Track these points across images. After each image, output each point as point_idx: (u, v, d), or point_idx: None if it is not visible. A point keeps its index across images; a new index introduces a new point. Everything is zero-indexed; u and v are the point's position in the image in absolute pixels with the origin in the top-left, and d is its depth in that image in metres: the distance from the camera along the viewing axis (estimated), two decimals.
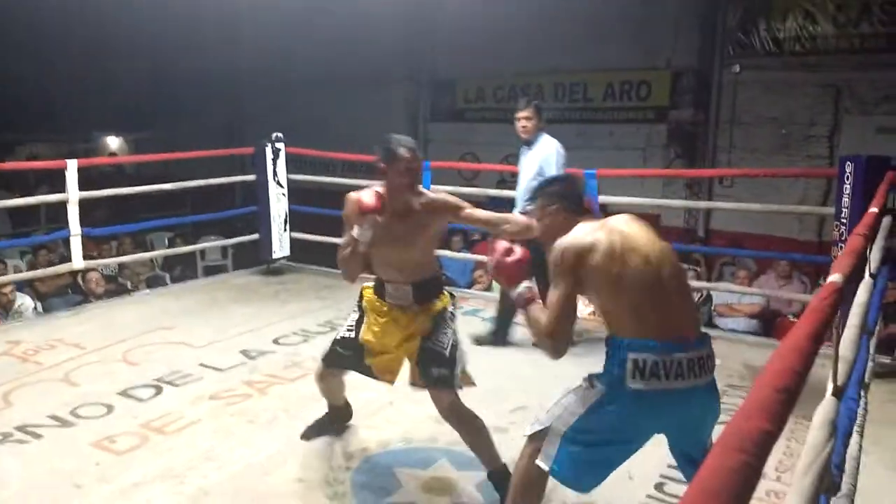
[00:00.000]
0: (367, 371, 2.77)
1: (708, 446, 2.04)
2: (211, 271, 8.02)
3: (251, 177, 6.18)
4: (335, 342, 2.79)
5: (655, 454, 2.27)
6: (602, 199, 4.97)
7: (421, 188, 2.63)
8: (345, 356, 2.75)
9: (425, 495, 2.68)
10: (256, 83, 11.05)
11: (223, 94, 11.47)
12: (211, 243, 7.86)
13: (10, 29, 10.06)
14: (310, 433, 3.07)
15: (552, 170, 4.02)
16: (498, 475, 2.55)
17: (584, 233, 2.02)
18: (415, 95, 10.10)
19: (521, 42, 8.43)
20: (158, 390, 3.60)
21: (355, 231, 2.56)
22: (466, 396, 2.62)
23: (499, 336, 4.33)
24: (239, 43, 10.73)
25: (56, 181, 5.40)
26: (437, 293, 2.69)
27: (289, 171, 6.05)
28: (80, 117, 12.21)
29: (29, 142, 13.06)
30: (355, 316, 2.77)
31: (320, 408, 3.27)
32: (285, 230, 6.05)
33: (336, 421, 3.10)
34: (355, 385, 3.03)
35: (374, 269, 2.71)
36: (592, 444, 1.97)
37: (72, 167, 4.90)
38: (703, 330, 2.13)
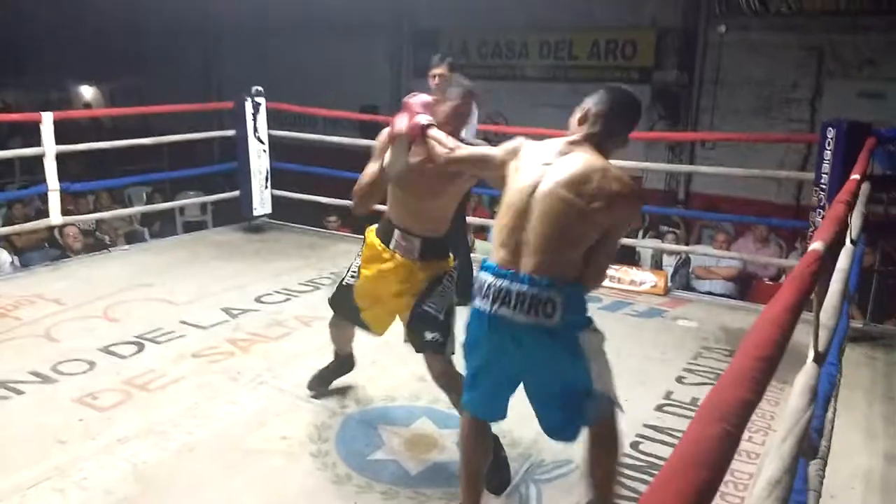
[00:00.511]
0: (362, 324, 2.75)
1: (573, 396, 1.98)
2: (190, 227, 7.93)
3: (230, 132, 6.07)
4: (339, 288, 2.74)
5: (630, 413, 2.33)
6: None
7: (463, 136, 2.46)
8: (345, 304, 2.71)
9: (407, 452, 2.73)
10: (234, 30, 10.79)
11: (200, 42, 11.22)
12: (191, 200, 7.76)
13: None
14: (314, 385, 3.07)
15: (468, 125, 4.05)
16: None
17: (533, 143, 2.12)
18: (397, 48, 9.93)
19: None
20: (140, 347, 3.59)
21: (386, 158, 2.43)
22: None
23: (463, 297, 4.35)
24: None
25: (30, 132, 5.28)
26: (442, 255, 2.58)
27: (269, 126, 5.95)
28: (53, 66, 11.88)
29: (0, 91, 12.70)
30: (359, 262, 2.67)
31: (303, 366, 3.29)
32: (266, 187, 5.99)
33: (339, 370, 3.08)
34: None
35: (388, 210, 2.59)
36: (472, 365, 2.11)
37: (47, 120, 4.79)
38: (563, 282, 1.93)
